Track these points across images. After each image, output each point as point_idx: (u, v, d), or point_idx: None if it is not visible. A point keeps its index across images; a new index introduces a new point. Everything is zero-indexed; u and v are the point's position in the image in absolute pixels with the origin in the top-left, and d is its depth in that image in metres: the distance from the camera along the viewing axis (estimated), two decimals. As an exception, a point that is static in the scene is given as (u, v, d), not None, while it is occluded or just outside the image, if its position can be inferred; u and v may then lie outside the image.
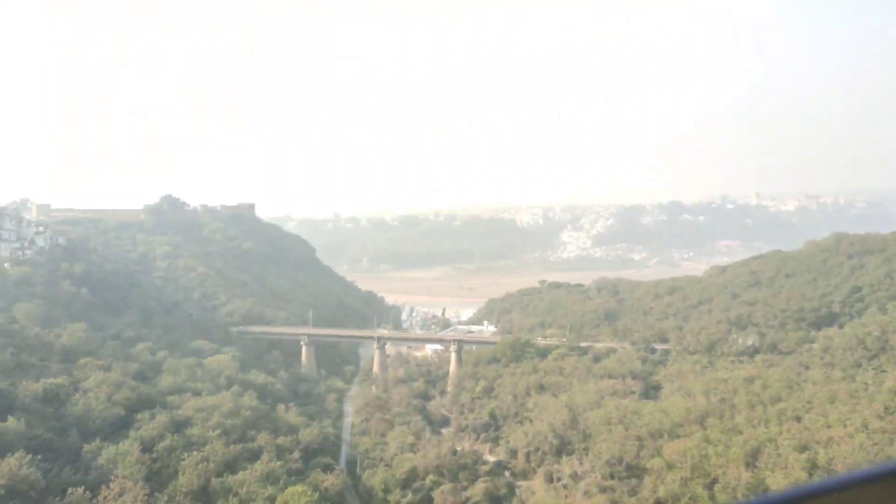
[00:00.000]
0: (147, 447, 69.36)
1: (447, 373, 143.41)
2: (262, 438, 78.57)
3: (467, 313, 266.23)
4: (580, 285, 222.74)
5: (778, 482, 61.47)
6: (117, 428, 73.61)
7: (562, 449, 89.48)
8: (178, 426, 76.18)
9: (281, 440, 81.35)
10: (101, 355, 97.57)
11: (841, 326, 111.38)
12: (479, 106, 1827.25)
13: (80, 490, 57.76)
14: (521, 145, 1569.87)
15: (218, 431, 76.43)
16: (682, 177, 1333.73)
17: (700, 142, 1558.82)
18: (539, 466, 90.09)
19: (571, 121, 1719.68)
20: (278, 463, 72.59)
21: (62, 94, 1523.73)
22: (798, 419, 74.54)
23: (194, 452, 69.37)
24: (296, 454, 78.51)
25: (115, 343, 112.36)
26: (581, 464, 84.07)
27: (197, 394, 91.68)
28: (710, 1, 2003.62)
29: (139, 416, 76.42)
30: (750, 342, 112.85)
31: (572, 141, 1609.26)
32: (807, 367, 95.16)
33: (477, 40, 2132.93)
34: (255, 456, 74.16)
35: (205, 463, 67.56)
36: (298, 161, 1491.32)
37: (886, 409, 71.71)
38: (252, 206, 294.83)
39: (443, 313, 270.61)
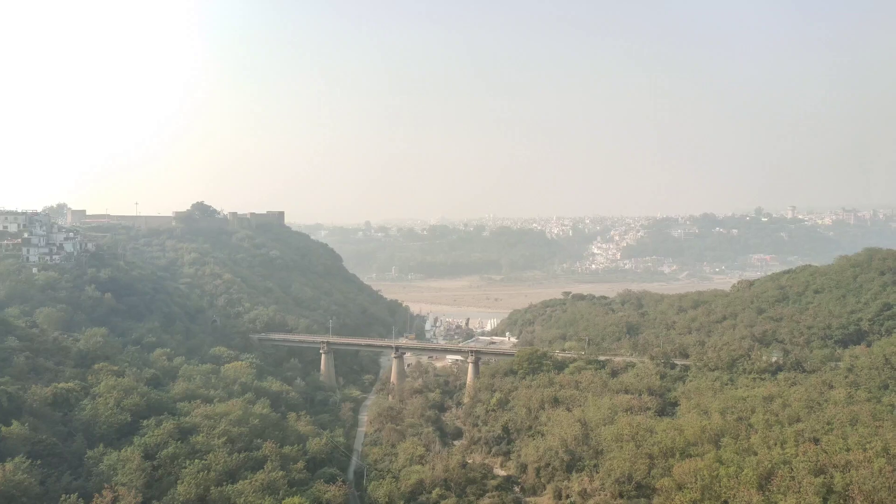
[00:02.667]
0: (150, 454, 69.70)
1: (465, 384, 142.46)
2: (267, 447, 78.29)
3: (492, 324, 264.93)
4: (604, 297, 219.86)
5: (789, 507, 59.01)
6: (123, 434, 74.24)
7: (572, 465, 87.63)
8: (184, 433, 76.41)
9: (287, 450, 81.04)
10: (117, 360, 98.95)
11: (869, 345, 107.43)
12: (509, 118, 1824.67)
13: (73, 496, 58.03)
14: (551, 157, 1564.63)
15: (223, 439, 76.51)
16: (716, 188, 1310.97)
17: (734, 153, 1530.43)
18: (549, 482, 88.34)
19: (602, 132, 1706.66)
20: (281, 473, 72.18)
21: (111, 102, 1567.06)
22: (816, 441, 71.63)
23: (196, 460, 69.44)
24: (300, 464, 78.07)
25: (134, 348, 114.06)
26: (591, 481, 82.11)
27: (208, 401, 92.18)
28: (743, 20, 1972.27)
29: (145, 422, 76.91)
30: (773, 359, 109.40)
31: (603, 152, 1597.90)
32: (830, 387, 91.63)
33: (508, 59, 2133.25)
34: (258, 465, 73.90)
35: (205, 472, 67.54)
36: (332, 170, 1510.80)
37: (911, 432, 68.64)
38: (281, 215, 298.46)
39: (466, 323, 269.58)
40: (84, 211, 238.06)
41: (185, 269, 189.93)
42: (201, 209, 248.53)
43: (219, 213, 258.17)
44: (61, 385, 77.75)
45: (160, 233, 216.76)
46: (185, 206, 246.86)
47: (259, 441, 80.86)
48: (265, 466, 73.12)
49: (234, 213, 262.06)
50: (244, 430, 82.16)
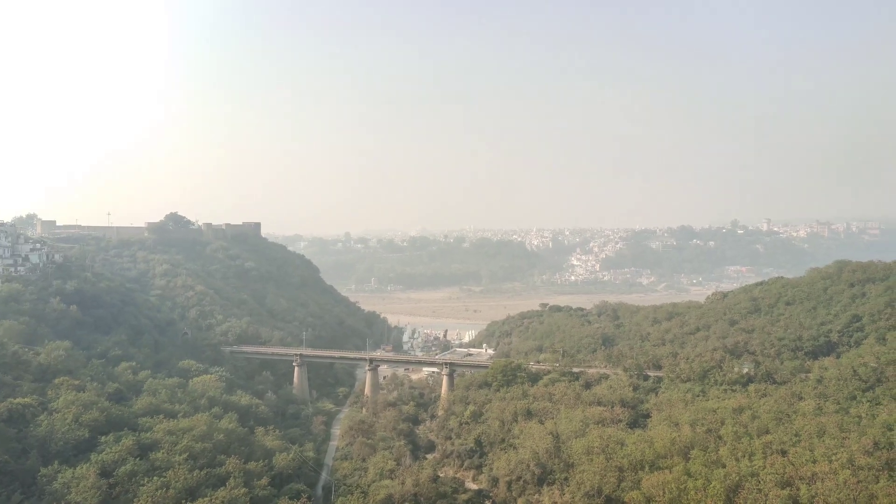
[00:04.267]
0: (107, 471, 67.55)
1: (439, 396, 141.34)
2: (231, 464, 76.40)
3: (470, 335, 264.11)
4: (581, 309, 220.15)
5: (756, 520, 58.74)
6: (81, 450, 71.94)
7: (543, 478, 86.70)
8: (145, 449, 74.38)
9: (252, 465, 79.16)
10: (79, 375, 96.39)
11: (838, 356, 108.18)
12: (490, 128, 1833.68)
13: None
14: (532, 168, 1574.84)
15: (185, 456, 74.45)
16: (692, 201, 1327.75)
17: (710, 166, 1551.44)
18: (520, 496, 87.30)
19: (582, 144, 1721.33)
20: (243, 490, 70.38)
21: (86, 112, 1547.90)
22: (783, 453, 71.64)
23: (155, 478, 67.42)
24: (264, 480, 76.29)
25: (99, 362, 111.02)
26: (562, 494, 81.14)
27: (173, 416, 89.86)
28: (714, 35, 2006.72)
29: (104, 438, 74.65)
30: (745, 371, 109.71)
31: (583, 165, 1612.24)
32: (800, 398, 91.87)
33: (489, 69, 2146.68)
34: (221, 482, 71.97)
35: (164, 489, 65.58)
36: (311, 181, 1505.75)
37: (876, 444, 68.88)
38: (258, 225, 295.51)
39: (444, 335, 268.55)
40: (54, 222, 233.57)
41: (157, 281, 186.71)
42: (175, 220, 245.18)
43: (193, 224, 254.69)
44: (17, 400, 75.31)
45: (131, 244, 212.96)
46: (159, 217, 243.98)
47: (223, 457, 78.77)
48: (228, 483, 71.23)
49: (209, 224, 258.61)
50: (208, 445, 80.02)
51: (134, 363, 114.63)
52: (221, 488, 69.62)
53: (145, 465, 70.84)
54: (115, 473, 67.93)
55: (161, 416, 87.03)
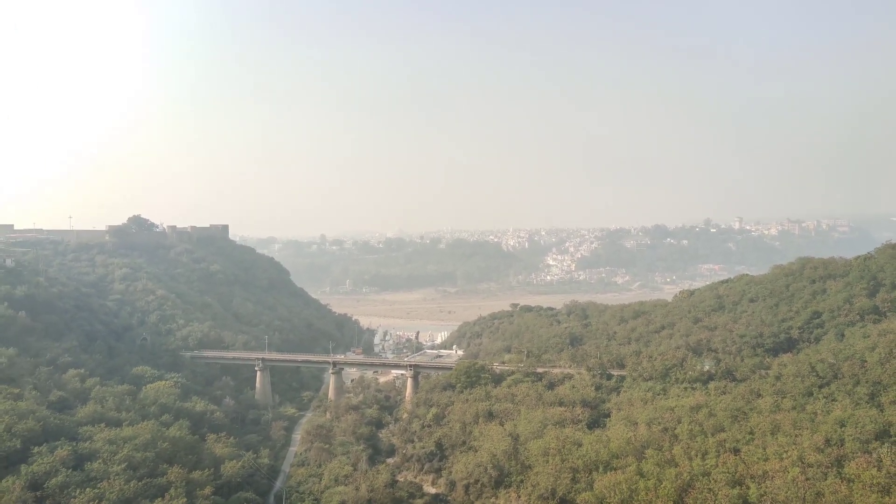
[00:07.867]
0: (37, 484, 64.54)
1: (405, 399, 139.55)
2: (173, 473, 73.65)
3: (442, 337, 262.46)
4: (551, 309, 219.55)
5: (705, 520, 57.74)
6: (12, 462, 68.75)
7: (501, 481, 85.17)
8: (81, 460, 71.37)
9: (196, 474, 76.47)
10: (21, 383, 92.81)
11: (797, 353, 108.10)
12: (466, 130, 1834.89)
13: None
14: (508, 169, 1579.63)
15: (123, 466, 71.58)
16: (666, 200, 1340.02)
17: (684, 165, 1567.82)
18: (477, 499, 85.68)
19: (557, 144, 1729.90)
20: (184, 500, 67.77)
21: (54, 114, 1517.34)
22: (736, 451, 70.98)
23: (88, 489, 64.55)
24: (208, 489, 73.66)
25: (46, 369, 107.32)
26: (518, 497, 79.87)
27: (117, 424, 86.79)
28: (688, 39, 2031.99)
29: (37, 449, 71.49)
30: (706, 368, 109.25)
31: (559, 164, 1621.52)
32: (758, 395, 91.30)
33: (462, 70, 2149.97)
34: (160, 492, 69.33)
35: (97, 501, 62.80)
36: (285, 183, 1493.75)
37: (828, 440, 68.41)
38: (225, 228, 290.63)
39: (416, 337, 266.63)
40: (12, 225, 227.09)
41: (116, 286, 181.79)
42: (138, 223, 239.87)
43: (157, 227, 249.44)
44: (-56, 411, 72.02)
45: (90, 248, 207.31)
46: (122, 220, 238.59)
47: (166, 466, 76.00)
48: (167, 493, 68.58)
49: (174, 227, 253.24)
50: (150, 454, 77.03)
51: (83, 370, 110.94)
52: (159, 499, 66.94)
53: (79, 476, 67.87)
54: (45, 486, 64.94)
55: (103, 425, 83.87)
